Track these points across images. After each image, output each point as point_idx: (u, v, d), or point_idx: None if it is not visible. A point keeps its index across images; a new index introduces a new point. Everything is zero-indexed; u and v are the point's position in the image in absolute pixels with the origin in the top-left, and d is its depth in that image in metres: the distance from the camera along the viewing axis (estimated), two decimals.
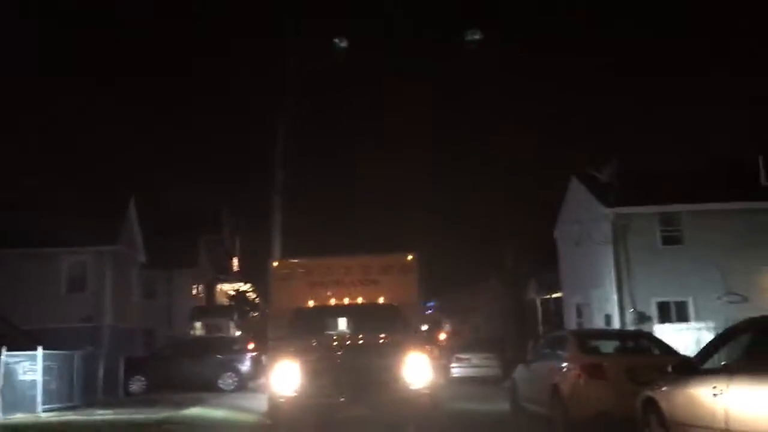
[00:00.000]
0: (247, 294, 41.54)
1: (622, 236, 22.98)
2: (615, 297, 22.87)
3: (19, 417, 14.24)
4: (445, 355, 25.14)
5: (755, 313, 8.69)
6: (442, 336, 37.26)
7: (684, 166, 24.31)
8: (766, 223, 22.75)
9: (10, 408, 14.50)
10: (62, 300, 25.84)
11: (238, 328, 38.15)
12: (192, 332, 35.65)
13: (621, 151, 26.28)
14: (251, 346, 22.60)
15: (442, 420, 10.63)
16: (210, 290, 41.47)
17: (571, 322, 27.07)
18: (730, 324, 8.65)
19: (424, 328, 14.16)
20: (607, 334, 15.01)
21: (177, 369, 21.29)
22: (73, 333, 23.32)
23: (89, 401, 17.49)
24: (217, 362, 21.67)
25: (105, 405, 17.26)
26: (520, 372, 13.23)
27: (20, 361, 15.37)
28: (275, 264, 13.30)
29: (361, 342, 10.23)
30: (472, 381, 22.52)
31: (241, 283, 43.62)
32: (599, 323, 23.95)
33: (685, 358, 9.26)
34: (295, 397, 9.06)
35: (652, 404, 8.02)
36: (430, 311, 59.80)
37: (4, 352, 14.59)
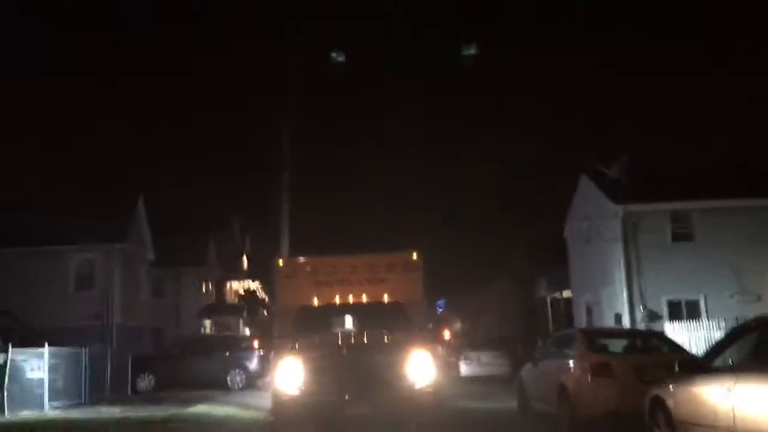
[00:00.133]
0: (257, 292, 41.60)
1: (632, 234, 22.76)
2: (625, 295, 22.66)
3: (25, 414, 14.28)
4: (453, 353, 25.03)
5: None
6: (447, 334, 37.09)
7: (690, 164, 24.07)
8: None
9: (17, 405, 14.56)
10: (71, 298, 25.92)
11: (248, 326, 38.26)
12: (201, 330, 35.82)
13: (626, 150, 25.96)
14: (257, 344, 22.59)
15: (448, 418, 10.56)
16: (219, 289, 41.57)
17: (581, 321, 26.88)
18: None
19: (429, 326, 14.02)
20: (615, 333, 14.85)
21: (185, 367, 21.35)
22: (81, 331, 23.39)
23: (97, 399, 17.55)
24: (225, 360, 21.70)
25: (112, 402, 17.32)
26: (527, 370, 13.12)
27: (27, 359, 15.42)
28: (280, 262, 13.27)
29: (365, 340, 10.19)
30: (481, 379, 22.39)
31: (251, 282, 43.73)
32: (609, 322, 23.76)
33: (692, 357, 9.14)
34: (299, 394, 9.08)
35: (659, 403, 7.91)
36: (441, 310, 59.86)
37: (11, 349, 14.62)
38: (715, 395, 6.54)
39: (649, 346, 11.61)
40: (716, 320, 20.65)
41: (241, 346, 22.74)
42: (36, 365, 15.41)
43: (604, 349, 11.12)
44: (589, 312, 26.49)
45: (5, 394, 14.17)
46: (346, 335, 10.57)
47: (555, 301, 33.62)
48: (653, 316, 22.05)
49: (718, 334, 17.88)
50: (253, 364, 21.72)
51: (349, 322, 11.11)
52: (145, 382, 21.37)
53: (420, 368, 9.11)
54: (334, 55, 17.46)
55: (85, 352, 17.65)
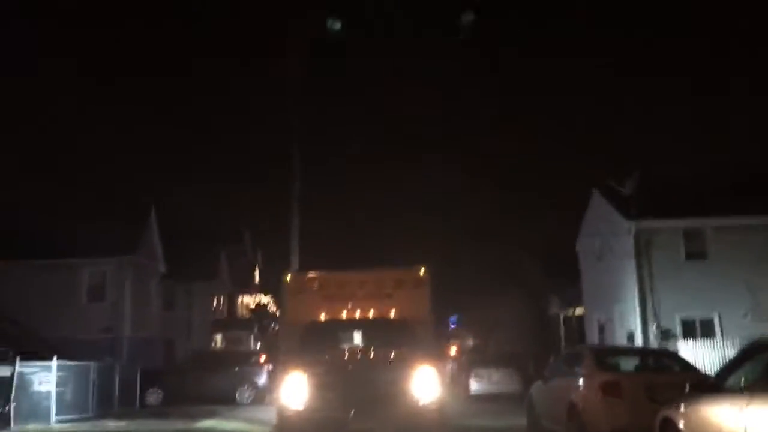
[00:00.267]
0: (268, 307, 41.57)
1: (645, 251, 22.48)
2: (638, 313, 22.37)
3: (31, 427, 14.26)
4: (463, 370, 24.79)
5: None
6: (453, 350, 36.83)
7: (704, 177, 23.66)
8: None
9: (24, 418, 14.56)
10: (82, 310, 25.98)
11: (258, 341, 38.23)
12: (213, 344, 35.82)
13: (640, 161, 25.76)
14: (263, 358, 22.53)
15: None
16: (231, 302, 41.61)
17: (593, 339, 26.58)
18: None
19: (437, 342, 13.92)
20: (626, 351, 14.63)
21: (194, 381, 21.30)
22: (92, 343, 23.43)
23: (104, 412, 17.51)
24: (234, 375, 21.64)
25: (120, 416, 17.27)
26: (537, 388, 12.96)
27: (35, 372, 15.42)
28: (288, 277, 13.24)
29: (371, 356, 10.15)
30: (491, 397, 22.13)
31: (263, 296, 43.73)
32: (622, 340, 23.47)
33: (704, 377, 8.97)
34: (304, 410, 9.08)
35: (669, 424, 7.74)
36: (453, 326, 59.52)
37: (19, 362, 14.63)
38: (727, 416, 6.40)
39: (660, 365, 11.44)
40: (730, 339, 20.38)
41: (249, 361, 22.67)
42: (44, 378, 15.41)
43: (613, 367, 10.97)
44: (601, 329, 26.20)
45: (12, 406, 14.15)
46: (352, 351, 10.51)
47: (567, 319, 33.32)
48: (667, 335, 21.73)
49: (732, 353, 17.61)
50: (262, 379, 21.64)
51: (355, 338, 11.08)
52: (154, 396, 21.35)
53: (425, 385, 9.08)
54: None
55: (94, 366, 17.62)
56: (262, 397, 21.25)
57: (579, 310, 30.56)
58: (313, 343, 10.56)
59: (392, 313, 11.60)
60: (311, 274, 13.37)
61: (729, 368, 7.42)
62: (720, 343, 20.69)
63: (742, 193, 22.76)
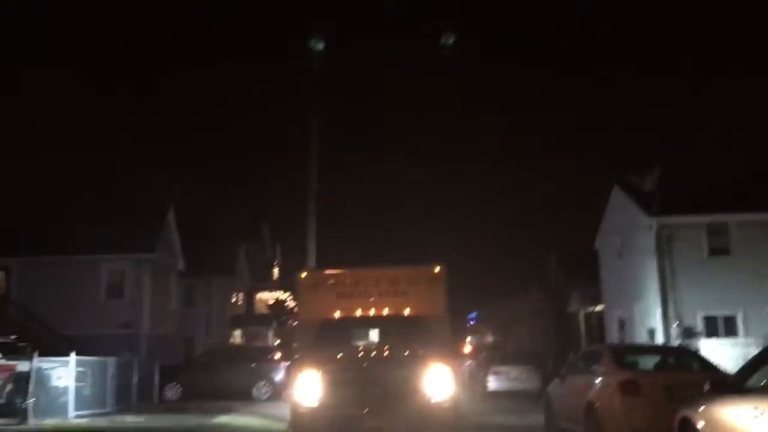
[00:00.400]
0: (286, 303, 41.63)
1: (667, 247, 22.15)
2: (659, 310, 22.06)
3: (50, 422, 14.35)
4: (481, 367, 24.62)
5: None
6: (468, 348, 36.66)
7: (726, 173, 23.25)
8: None
9: (42, 413, 14.64)
10: (102, 307, 26.19)
11: (277, 336, 38.32)
12: (231, 340, 35.97)
13: (660, 156, 25.38)
14: (278, 355, 22.53)
15: None
16: (250, 299, 41.74)
17: (613, 336, 26.28)
18: None
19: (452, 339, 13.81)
20: (645, 349, 14.38)
21: (212, 377, 21.36)
22: (112, 339, 23.62)
23: (122, 408, 17.58)
24: (252, 371, 21.66)
25: (138, 412, 17.35)
26: (554, 387, 12.80)
27: (54, 367, 15.51)
28: (303, 274, 13.27)
29: (384, 354, 10.14)
30: (509, 394, 21.97)
31: (281, 292, 43.80)
32: (642, 337, 23.17)
33: (724, 376, 8.76)
34: (318, 407, 9.11)
35: (688, 425, 7.56)
36: (472, 323, 59.34)
37: (37, 358, 14.73)
38: (746, 417, 6.22)
39: (681, 364, 11.22)
40: (754, 337, 20.02)
41: (266, 357, 22.68)
42: (62, 373, 15.48)
43: (632, 366, 10.79)
44: (621, 327, 25.90)
45: (30, 401, 14.25)
46: (366, 349, 10.49)
47: (588, 316, 33.01)
48: (689, 333, 21.40)
49: (756, 352, 17.29)
50: (279, 375, 21.62)
51: (370, 335, 11.07)
52: (172, 391, 21.43)
53: (439, 383, 9.06)
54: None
55: (112, 361, 17.71)
56: (279, 393, 21.24)
57: (599, 308, 30.25)
58: (328, 340, 10.61)
59: (407, 311, 11.60)
60: (326, 272, 13.40)
61: (750, 367, 7.24)
62: (743, 341, 20.33)
63: (766, 188, 22.36)
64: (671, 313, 21.84)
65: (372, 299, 11.98)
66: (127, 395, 18.72)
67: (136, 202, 27.81)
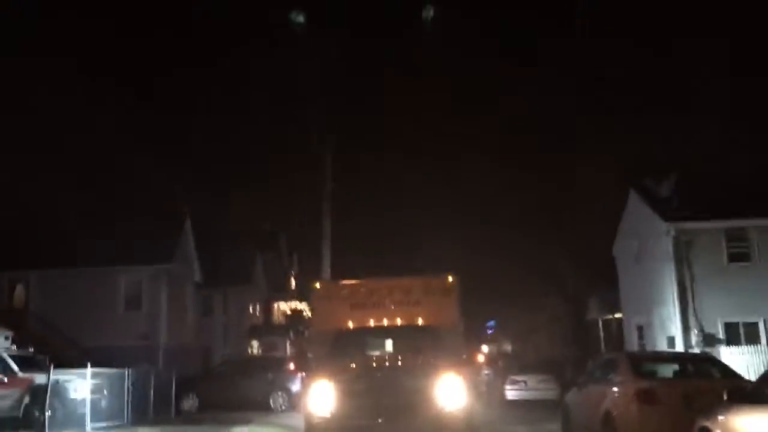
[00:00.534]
0: (303, 313, 41.66)
1: (685, 253, 21.85)
2: (678, 317, 21.76)
3: None
4: (498, 376, 24.46)
5: None
6: (481, 358, 36.39)
7: (746, 175, 22.86)
8: None
9: (59, 425, 14.68)
10: (120, 318, 26.34)
11: (293, 346, 38.31)
12: (249, 350, 36.02)
13: (677, 161, 25.01)
14: (292, 366, 22.48)
15: None
16: (267, 309, 41.83)
17: (633, 344, 25.97)
18: None
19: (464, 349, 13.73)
20: (663, 357, 14.19)
21: (229, 388, 21.35)
22: (130, 351, 23.67)
23: (139, 419, 17.60)
24: (268, 381, 21.61)
25: (154, 423, 17.38)
26: (572, 396, 12.68)
27: (71, 379, 15.57)
28: (317, 285, 13.34)
29: (398, 364, 10.15)
30: (528, 404, 21.77)
31: (298, 302, 43.85)
32: (662, 345, 22.87)
33: (744, 384, 8.60)
34: (331, 417, 9.10)
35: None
36: (490, 332, 59.00)
37: (53, 370, 14.80)
38: (765, 427, 6.08)
39: (700, 372, 11.03)
40: None
41: (283, 368, 22.64)
42: (79, 385, 15.54)
43: (650, 374, 10.65)
44: (640, 334, 25.58)
45: (47, 413, 14.31)
46: (379, 359, 10.48)
47: (607, 323, 32.66)
48: (709, 340, 21.08)
49: None
50: (296, 386, 21.56)
51: (383, 345, 11.04)
52: (189, 402, 21.43)
53: (451, 392, 9.02)
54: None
55: (129, 373, 17.76)
56: (296, 403, 21.17)
57: (619, 315, 29.93)
58: (342, 350, 10.64)
59: (420, 321, 11.59)
60: (340, 282, 13.46)
61: None
62: (765, 349, 20.01)
63: None
64: (691, 320, 21.53)
65: (385, 309, 12.00)
66: (144, 407, 18.75)
67: (152, 211, 27.90)
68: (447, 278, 12.18)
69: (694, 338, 21.17)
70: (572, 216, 33.43)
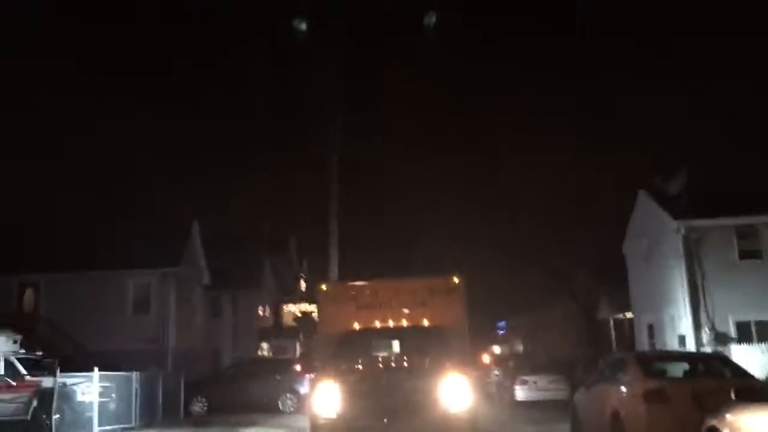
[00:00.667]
0: (312, 315, 41.64)
1: (696, 251, 21.63)
2: (689, 316, 21.54)
3: None
4: (508, 376, 24.28)
5: None
6: (486, 358, 36.18)
7: (756, 172, 22.61)
8: None
9: (67, 429, 14.73)
10: (128, 322, 26.34)
11: (302, 348, 38.30)
12: (259, 353, 36.01)
13: (686, 158, 24.77)
14: (298, 367, 22.45)
15: None
16: (277, 311, 41.83)
17: (643, 343, 25.76)
18: None
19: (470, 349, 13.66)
20: (672, 356, 14.02)
21: (237, 390, 21.37)
22: (139, 354, 23.67)
23: (148, 422, 17.63)
24: (277, 383, 21.62)
25: (162, 426, 17.39)
26: (580, 396, 12.56)
27: (78, 383, 15.60)
28: (324, 287, 13.32)
29: (403, 365, 10.15)
30: (538, 405, 21.60)
31: (308, 304, 43.82)
32: (673, 344, 22.66)
33: (753, 383, 8.47)
34: (336, 418, 9.09)
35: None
36: (502, 332, 58.78)
37: (60, 373, 14.82)
38: None
39: (710, 371, 10.88)
40: None
41: (291, 370, 22.61)
42: (86, 389, 15.56)
43: (659, 373, 10.52)
44: (651, 333, 25.37)
45: (55, 417, 14.34)
46: (384, 360, 10.45)
47: (619, 323, 32.45)
48: (721, 338, 20.86)
49: None
50: (305, 388, 21.51)
51: (388, 346, 11.00)
52: (198, 405, 21.46)
53: (456, 393, 8.97)
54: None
55: (137, 376, 17.77)
56: (304, 405, 21.15)
57: (630, 314, 29.72)
58: (348, 351, 10.63)
59: (426, 322, 11.57)
60: (346, 284, 13.45)
61: None
62: None
63: None
64: (702, 318, 21.31)
65: (391, 310, 11.99)
66: (153, 410, 18.77)
67: (160, 215, 27.95)
68: (452, 278, 12.12)
69: (705, 337, 20.96)
70: (582, 214, 33.20)
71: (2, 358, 15.62)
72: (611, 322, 33.14)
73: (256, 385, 21.42)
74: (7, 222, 27.12)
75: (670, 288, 23.01)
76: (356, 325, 11.75)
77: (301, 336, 39.01)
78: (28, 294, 26.81)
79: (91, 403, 15.48)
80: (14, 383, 15.23)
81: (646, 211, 25.14)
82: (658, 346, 23.75)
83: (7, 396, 14.94)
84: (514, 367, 25.89)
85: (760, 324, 21.09)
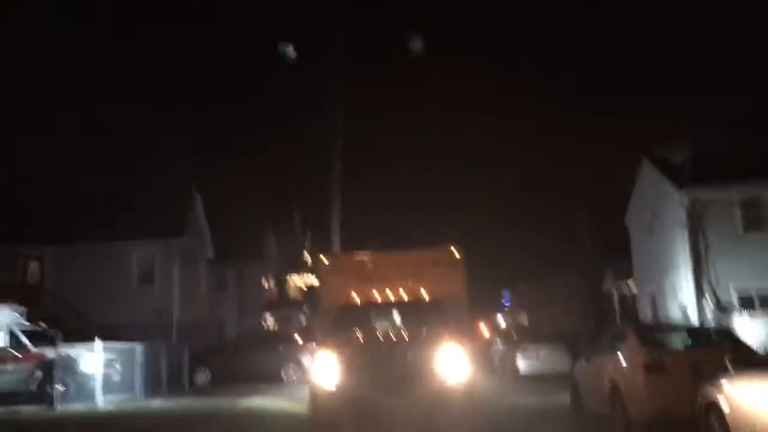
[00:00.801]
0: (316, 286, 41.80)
1: (699, 221, 21.50)
2: (692, 287, 21.48)
3: (77, 408, 14.58)
4: (510, 349, 24.28)
5: None
6: (484, 329, 36.29)
7: (761, 141, 22.34)
8: None
9: (71, 400, 14.88)
10: (133, 294, 26.46)
11: (307, 319, 38.53)
12: (263, 324, 36.25)
13: (690, 127, 24.50)
14: (298, 339, 22.56)
15: (488, 415, 10.24)
16: (281, 283, 42.00)
17: (646, 314, 25.77)
18: None
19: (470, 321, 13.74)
20: (671, 328, 14.00)
21: (241, 361, 21.53)
22: (144, 326, 23.80)
23: (152, 393, 17.80)
24: (280, 355, 21.76)
25: (166, 396, 17.56)
26: (580, 367, 12.57)
27: (81, 354, 15.73)
28: (325, 259, 13.34)
29: (402, 336, 10.17)
30: (540, 376, 21.66)
31: (312, 276, 43.98)
32: (675, 315, 22.66)
33: (751, 353, 8.45)
34: (335, 389, 9.14)
35: (712, 405, 7.30)
36: (507, 304, 58.93)
37: (63, 344, 14.94)
38: None
39: (709, 342, 10.86)
40: None
41: (294, 341, 22.75)
42: (90, 360, 15.71)
43: (658, 345, 10.46)
44: (653, 305, 25.37)
45: (59, 388, 14.49)
46: (383, 331, 10.48)
47: (623, 295, 32.48)
48: (723, 309, 20.83)
49: None
50: (307, 358, 21.68)
51: (388, 318, 11.05)
52: (203, 376, 21.67)
53: (453, 363, 9.00)
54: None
55: (140, 347, 17.91)
56: (307, 375, 21.32)
57: (633, 285, 29.72)
58: (347, 323, 10.70)
59: (426, 293, 11.58)
60: (347, 256, 13.49)
61: None
62: None
63: None
64: (705, 289, 21.25)
65: (391, 282, 12.03)
66: (157, 381, 18.97)
67: (162, 185, 27.89)
68: (452, 250, 12.11)
69: (707, 306, 20.93)
70: (585, 186, 33.03)
71: (7, 331, 15.76)
72: (615, 295, 33.18)
73: (259, 356, 21.57)
74: (10, 194, 27.13)
75: (673, 258, 22.94)
76: (356, 297, 11.82)
77: (306, 308, 39.21)
78: (33, 266, 26.93)
79: (93, 374, 15.63)
80: (19, 355, 15.39)
81: (650, 181, 24.96)
82: (661, 317, 23.76)
83: (11, 367, 15.11)
84: (518, 340, 25.84)
85: (762, 295, 21.02)
